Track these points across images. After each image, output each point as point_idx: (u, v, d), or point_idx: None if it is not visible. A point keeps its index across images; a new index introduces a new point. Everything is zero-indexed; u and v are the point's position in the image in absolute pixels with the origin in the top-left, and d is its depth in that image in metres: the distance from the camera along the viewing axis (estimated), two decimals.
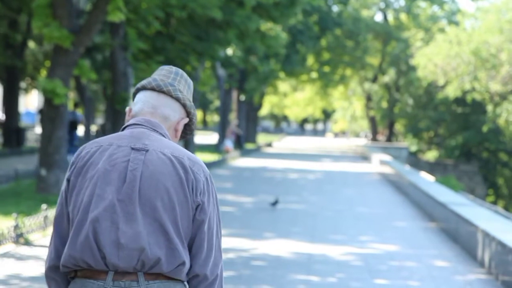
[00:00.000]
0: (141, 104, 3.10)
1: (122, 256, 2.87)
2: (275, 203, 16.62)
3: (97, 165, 2.95)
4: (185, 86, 3.14)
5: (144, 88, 3.11)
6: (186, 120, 3.15)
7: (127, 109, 3.14)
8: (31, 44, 35.96)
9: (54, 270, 3.03)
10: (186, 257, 2.94)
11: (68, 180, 3.01)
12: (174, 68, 3.17)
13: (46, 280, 3.07)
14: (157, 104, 3.08)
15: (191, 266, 2.98)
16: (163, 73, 3.14)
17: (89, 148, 3.02)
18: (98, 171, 2.94)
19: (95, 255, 2.88)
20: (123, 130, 3.09)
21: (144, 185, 2.92)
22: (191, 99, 3.17)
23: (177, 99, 3.09)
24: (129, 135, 3.02)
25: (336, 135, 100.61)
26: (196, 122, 3.20)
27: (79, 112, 28.05)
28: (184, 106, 3.12)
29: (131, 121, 3.08)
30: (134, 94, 3.16)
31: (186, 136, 3.23)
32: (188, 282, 3.02)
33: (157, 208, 2.91)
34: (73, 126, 26.39)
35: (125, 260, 2.87)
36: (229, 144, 36.59)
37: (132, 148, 2.97)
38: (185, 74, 3.18)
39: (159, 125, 3.07)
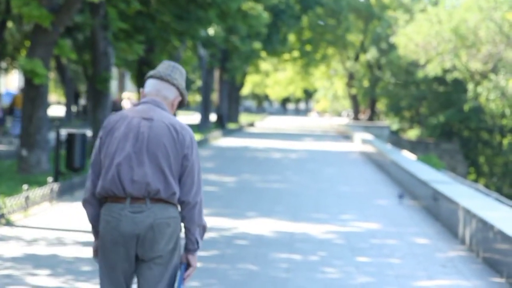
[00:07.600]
0: (149, 87, 4.66)
1: (135, 188, 4.44)
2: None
3: (120, 129, 4.52)
4: (180, 75, 4.68)
5: (151, 76, 4.67)
6: (180, 98, 4.72)
7: (141, 90, 4.69)
8: (10, 24, 35.60)
9: (92, 196, 4.57)
10: (176, 189, 4.48)
11: (101, 138, 4.56)
12: (172, 63, 4.71)
13: (83, 205, 4.60)
14: (160, 88, 4.64)
15: (180, 195, 4.50)
16: (165, 67, 4.68)
17: (115, 117, 4.58)
18: (120, 133, 4.51)
19: (118, 187, 4.45)
20: (138, 105, 4.62)
21: (150, 142, 4.49)
22: (183, 84, 4.69)
23: (173, 85, 4.65)
24: (141, 109, 4.58)
25: (319, 113, 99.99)
26: (186, 99, 4.75)
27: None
28: (178, 89, 4.68)
29: (143, 100, 4.63)
30: (145, 80, 4.71)
31: (180, 107, 4.71)
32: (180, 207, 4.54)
33: (158, 157, 4.47)
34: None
35: (137, 190, 4.44)
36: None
37: (143, 118, 4.53)
38: (180, 67, 4.70)
39: (161, 103, 4.61)
